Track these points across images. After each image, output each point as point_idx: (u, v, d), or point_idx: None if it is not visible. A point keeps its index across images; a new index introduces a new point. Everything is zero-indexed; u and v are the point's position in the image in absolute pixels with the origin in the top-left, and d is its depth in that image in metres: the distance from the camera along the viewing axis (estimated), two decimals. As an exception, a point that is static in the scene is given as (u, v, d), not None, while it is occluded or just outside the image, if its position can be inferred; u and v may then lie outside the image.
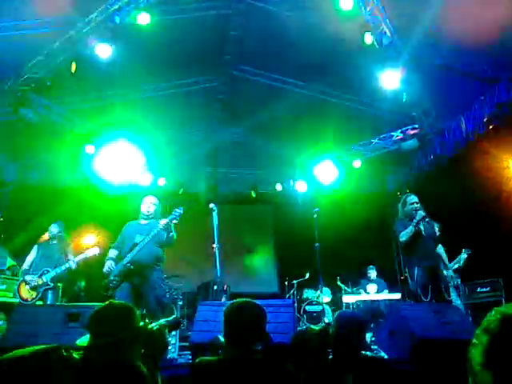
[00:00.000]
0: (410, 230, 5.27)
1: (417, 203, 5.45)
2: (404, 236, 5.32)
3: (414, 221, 5.27)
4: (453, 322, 3.90)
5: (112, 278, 4.91)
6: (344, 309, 8.30)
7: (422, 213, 5.29)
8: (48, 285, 6.05)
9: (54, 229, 6.48)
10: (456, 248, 6.36)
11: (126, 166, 8.97)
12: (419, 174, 10.54)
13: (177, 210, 5.33)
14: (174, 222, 5.26)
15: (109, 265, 5.04)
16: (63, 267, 6.12)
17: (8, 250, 7.70)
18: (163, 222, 5.11)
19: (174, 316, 6.98)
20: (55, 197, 9.54)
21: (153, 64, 8.01)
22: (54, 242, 6.43)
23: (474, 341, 1.19)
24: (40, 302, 6.00)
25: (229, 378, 1.98)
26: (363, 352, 2.61)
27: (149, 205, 5.47)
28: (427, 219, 5.34)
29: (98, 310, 2.18)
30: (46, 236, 6.52)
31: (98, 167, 8.86)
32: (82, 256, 6.28)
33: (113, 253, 5.26)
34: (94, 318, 2.16)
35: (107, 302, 2.22)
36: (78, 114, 8.70)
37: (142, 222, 5.43)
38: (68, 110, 8.58)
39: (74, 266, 6.19)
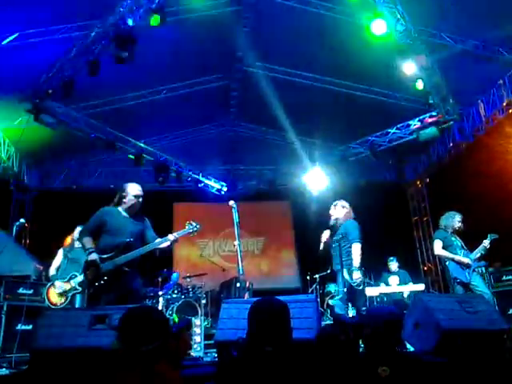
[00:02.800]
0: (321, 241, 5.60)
1: (331, 215, 5.66)
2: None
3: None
4: (479, 312, 3.83)
5: (100, 276, 4.24)
6: (367, 303, 8.25)
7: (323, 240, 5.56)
8: (76, 289, 6.11)
9: (76, 234, 6.51)
10: (478, 235, 6.24)
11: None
12: (439, 162, 10.41)
13: (192, 223, 4.81)
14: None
15: (96, 258, 4.29)
16: None
17: (33, 254, 7.85)
18: (172, 236, 4.54)
19: (185, 317, 7.05)
20: (78, 201, 9.70)
21: (166, 65, 8.07)
22: (80, 245, 6.46)
23: None
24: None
25: (254, 376, 2.00)
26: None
27: (140, 199, 4.67)
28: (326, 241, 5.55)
29: (133, 316, 2.21)
30: (69, 240, 6.58)
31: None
32: None
33: (89, 242, 4.47)
34: (131, 323, 2.19)
35: (137, 307, 2.28)
36: (97, 118, 8.82)
37: (124, 214, 4.61)
38: (88, 115, 8.71)
39: None
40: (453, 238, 6.03)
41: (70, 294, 6.08)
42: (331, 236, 5.56)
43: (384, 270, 8.82)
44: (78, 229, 6.52)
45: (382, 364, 2.27)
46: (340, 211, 5.63)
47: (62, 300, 6.05)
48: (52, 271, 6.35)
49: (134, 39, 6.61)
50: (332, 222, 5.57)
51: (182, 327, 2.46)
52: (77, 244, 6.46)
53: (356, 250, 5.31)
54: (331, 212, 5.65)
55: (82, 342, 3.58)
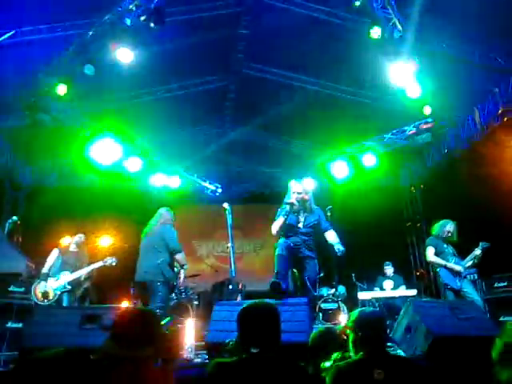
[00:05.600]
0: (281, 221, 5.10)
1: (298, 193, 5.17)
2: (273, 228, 5.20)
3: (285, 211, 5.06)
4: (470, 319, 3.85)
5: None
6: (360, 306, 8.27)
7: (291, 202, 5.05)
8: (65, 288, 6.16)
9: (77, 239, 6.71)
10: (472, 242, 6.28)
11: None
12: (433, 168, 10.44)
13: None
14: None
15: None
16: (80, 272, 6.28)
17: (25, 252, 7.82)
18: None
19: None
20: (71, 199, 9.69)
21: (164, 65, 8.05)
22: (75, 250, 6.62)
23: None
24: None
25: (244, 378, 1.99)
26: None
27: None
28: (295, 206, 5.06)
29: (127, 317, 2.20)
30: (67, 243, 6.71)
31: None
32: (98, 264, 6.46)
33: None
34: (125, 325, 2.17)
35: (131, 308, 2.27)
36: (92, 116, 8.78)
37: None
38: (83, 113, 8.67)
39: (85, 274, 6.42)
40: (445, 245, 6.09)
41: (57, 292, 6.11)
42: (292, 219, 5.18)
43: (379, 274, 8.86)
44: (79, 235, 6.75)
45: (377, 366, 2.27)
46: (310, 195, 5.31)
47: (50, 297, 6.09)
48: (45, 269, 6.40)
49: (132, 38, 6.62)
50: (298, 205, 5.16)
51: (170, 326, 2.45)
52: (72, 248, 6.58)
53: (335, 235, 5.25)
54: (305, 194, 5.24)
55: (71, 341, 3.56)
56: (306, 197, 5.26)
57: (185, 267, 5.47)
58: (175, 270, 5.63)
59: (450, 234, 6.13)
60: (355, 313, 2.64)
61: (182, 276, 5.62)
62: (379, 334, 2.49)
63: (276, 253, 5.03)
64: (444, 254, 5.99)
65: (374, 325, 2.51)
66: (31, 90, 7.53)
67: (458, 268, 5.85)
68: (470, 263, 5.98)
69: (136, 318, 2.22)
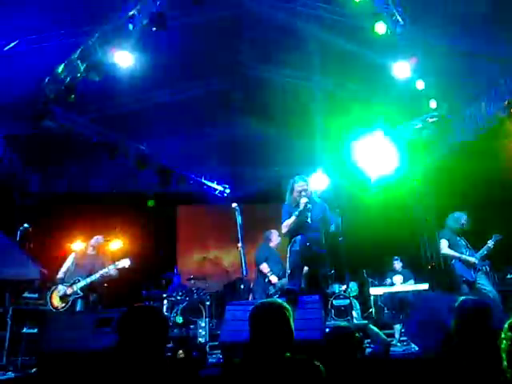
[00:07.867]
0: (293, 221, 5.03)
1: (305, 191, 5.15)
2: (285, 228, 5.15)
3: (297, 210, 4.99)
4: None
5: None
6: (372, 302, 8.28)
7: (306, 201, 4.96)
8: (78, 294, 6.14)
9: (95, 240, 6.64)
10: (482, 233, 6.25)
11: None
12: (440, 161, 10.36)
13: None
14: None
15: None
16: (91, 278, 6.20)
17: (38, 259, 7.89)
18: None
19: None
20: (82, 206, 9.78)
21: (167, 68, 8.08)
22: (92, 252, 6.57)
23: (502, 335, 1.19)
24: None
25: (258, 379, 2.00)
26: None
27: None
28: (310, 205, 4.95)
29: (133, 315, 2.22)
30: (84, 247, 6.68)
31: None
32: (111, 267, 6.35)
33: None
34: (130, 323, 2.18)
35: (137, 307, 2.28)
36: (99, 121, 8.83)
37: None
38: (90, 119, 8.72)
39: (96, 279, 6.29)
40: (458, 238, 6.06)
41: (71, 298, 6.11)
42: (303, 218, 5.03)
43: (388, 269, 8.83)
44: (97, 237, 6.70)
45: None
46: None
47: (63, 304, 6.08)
48: (60, 274, 6.39)
49: (135, 43, 6.66)
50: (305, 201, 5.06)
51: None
52: (89, 251, 6.55)
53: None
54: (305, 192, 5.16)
55: (86, 344, 3.60)
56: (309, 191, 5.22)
57: (268, 274, 6.78)
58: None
59: (463, 226, 6.10)
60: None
61: (273, 281, 6.72)
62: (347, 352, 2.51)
63: (290, 249, 5.03)
64: (457, 246, 5.97)
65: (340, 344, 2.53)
66: (37, 98, 7.59)
67: (472, 260, 5.84)
68: (483, 255, 5.97)
69: (139, 314, 2.25)
